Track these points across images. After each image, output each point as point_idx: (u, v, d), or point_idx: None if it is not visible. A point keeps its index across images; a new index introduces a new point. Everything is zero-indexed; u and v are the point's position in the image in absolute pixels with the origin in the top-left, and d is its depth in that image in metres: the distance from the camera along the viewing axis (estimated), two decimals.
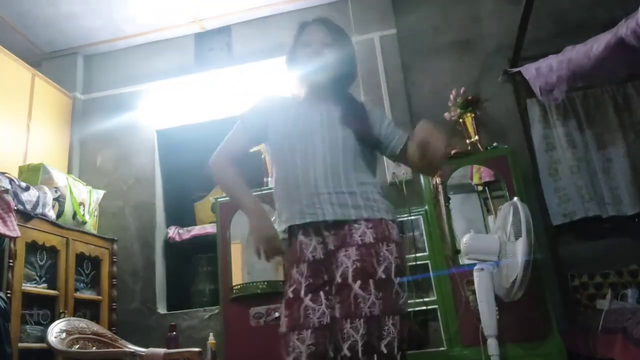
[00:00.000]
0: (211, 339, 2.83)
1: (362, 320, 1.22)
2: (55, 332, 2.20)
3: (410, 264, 2.51)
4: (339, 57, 1.50)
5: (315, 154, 1.41)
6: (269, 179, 2.87)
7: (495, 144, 2.74)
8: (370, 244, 1.31)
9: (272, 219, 1.43)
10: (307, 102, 1.53)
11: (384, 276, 1.27)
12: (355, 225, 1.34)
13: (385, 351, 1.21)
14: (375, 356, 1.21)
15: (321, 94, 1.52)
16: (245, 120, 1.52)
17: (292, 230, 1.40)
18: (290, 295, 1.32)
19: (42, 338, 2.30)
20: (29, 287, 2.42)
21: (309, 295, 1.30)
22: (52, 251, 2.63)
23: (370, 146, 1.49)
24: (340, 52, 1.50)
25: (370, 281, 1.26)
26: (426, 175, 1.75)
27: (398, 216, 1.46)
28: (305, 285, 1.31)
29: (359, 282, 1.26)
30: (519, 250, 1.98)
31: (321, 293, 1.31)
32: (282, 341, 1.28)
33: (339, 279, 1.30)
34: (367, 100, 1.44)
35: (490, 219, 2.77)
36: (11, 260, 2.29)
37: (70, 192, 2.90)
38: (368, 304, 1.24)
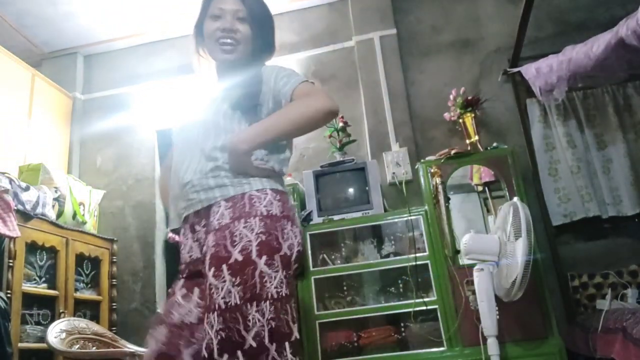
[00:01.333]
0: None
1: (215, 313, 1.06)
2: (55, 332, 2.20)
3: (411, 264, 2.51)
4: (254, 33, 1.32)
5: (190, 141, 1.27)
6: None
7: (495, 144, 2.74)
8: (225, 225, 1.14)
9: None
10: (208, 85, 1.39)
11: (240, 258, 1.09)
12: (214, 209, 1.19)
13: (254, 344, 1.03)
14: (239, 353, 1.02)
15: (226, 73, 1.35)
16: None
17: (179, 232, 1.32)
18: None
19: (42, 338, 2.30)
20: (29, 287, 2.42)
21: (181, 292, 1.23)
22: (52, 251, 2.63)
23: (253, 111, 1.27)
24: (256, 26, 1.33)
25: (224, 266, 1.09)
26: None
27: (278, 185, 1.24)
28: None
29: (212, 270, 1.10)
30: (519, 250, 1.98)
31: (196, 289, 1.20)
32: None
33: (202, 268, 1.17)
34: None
35: (490, 219, 2.77)
36: (11, 260, 2.29)
37: (70, 192, 2.90)
38: (222, 294, 1.07)
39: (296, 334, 1.09)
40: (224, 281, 1.08)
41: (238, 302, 1.05)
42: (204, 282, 1.15)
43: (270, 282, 1.08)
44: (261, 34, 1.35)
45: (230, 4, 1.32)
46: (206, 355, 1.04)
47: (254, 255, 1.09)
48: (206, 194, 1.21)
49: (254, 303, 1.06)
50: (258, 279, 1.08)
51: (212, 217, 1.18)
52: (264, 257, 1.10)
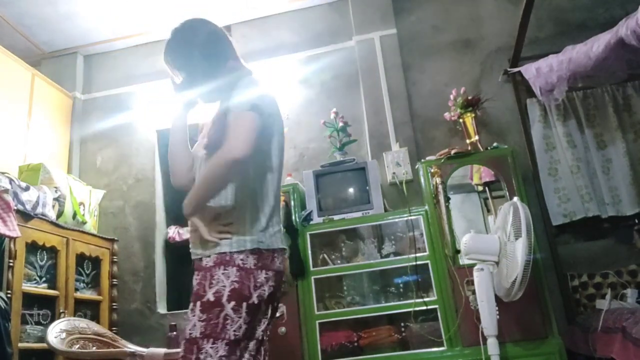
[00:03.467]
0: None
1: (183, 341, 1.25)
2: (56, 332, 2.20)
3: (411, 264, 2.52)
4: (187, 72, 1.45)
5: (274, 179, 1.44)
6: None
7: (495, 144, 2.74)
8: (208, 268, 1.30)
9: None
10: None
11: (212, 299, 1.24)
12: (207, 257, 1.34)
13: None
14: None
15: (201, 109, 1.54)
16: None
17: None
18: (256, 301, 1.32)
19: (42, 338, 2.30)
20: (29, 287, 2.42)
21: (264, 307, 1.35)
22: (52, 251, 2.63)
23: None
24: (182, 66, 1.45)
25: (198, 303, 1.26)
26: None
27: (262, 245, 1.34)
28: (268, 295, 1.34)
29: (190, 305, 1.28)
30: (519, 250, 1.98)
31: (270, 305, 1.38)
32: (231, 348, 1.24)
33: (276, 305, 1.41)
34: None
35: (490, 219, 2.77)
36: (11, 260, 2.30)
37: (70, 192, 2.90)
38: (189, 326, 1.25)
39: None
40: (194, 315, 1.25)
41: (197, 336, 1.22)
42: None
43: (230, 325, 1.23)
44: (190, 65, 1.44)
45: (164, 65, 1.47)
46: None
47: (224, 299, 1.25)
48: (194, 249, 1.41)
49: (211, 340, 1.22)
50: (221, 320, 1.23)
51: (202, 259, 1.35)
52: (233, 303, 1.25)
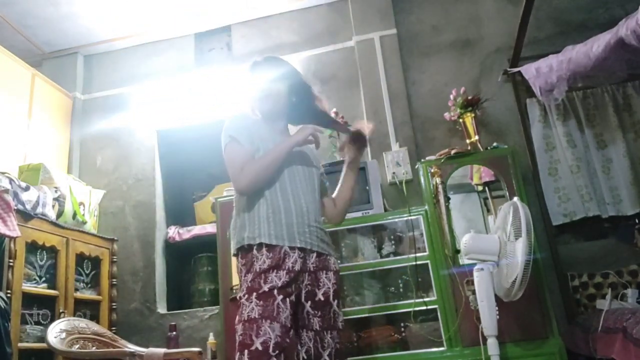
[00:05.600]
0: (211, 339, 2.83)
1: (336, 332, 1.54)
2: (55, 332, 2.20)
3: (411, 263, 2.51)
4: (288, 88, 1.69)
5: (300, 184, 1.61)
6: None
7: (495, 144, 2.74)
8: (338, 271, 1.63)
9: (240, 231, 1.58)
10: (270, 127, 1.69)
11: (323, 299, 1.56)
12: (329, 257, 1.63)
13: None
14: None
15: (279, 123, 1.71)
16: (239, 137, 1.59)
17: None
18: (266, 289, 1.45)
19: (42, 338, 2.30)
20: (29, 287, 2.42)
21: (280, 297, 1.45)
22: (52, 251, 2.63)
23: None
24: (288, 82, 1.70)
25: (340, 302, 1.59)
26: (336, 219, 1.86)
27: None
28: (279, 288, 1.45)
29: (336, 301, 1.57)
30: (519, 250, 1.98)
31: (288, 300, 1.47)
32: (248, 325, 1.41)
33: (321, 297, 1.54)
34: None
35: (490, 219, 2.77)
36: (11, 260, 2.30)
37: (70, 192, 2.90)
38: (340, 320, 1.57)
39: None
40: (341, 311, 1.63)
41: (342, 328, 1.59)
42: (291, 296, 1.52)
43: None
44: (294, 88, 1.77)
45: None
46: None
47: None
48: (322, 244, 1.63)
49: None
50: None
51: (329, 260, 1.65)
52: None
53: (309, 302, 1.54)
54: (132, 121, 3.61)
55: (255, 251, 1.50)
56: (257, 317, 1.41)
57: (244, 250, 1.53)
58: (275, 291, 1.45)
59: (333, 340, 1.53)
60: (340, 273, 2.67)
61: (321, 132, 1.63)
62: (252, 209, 1.56)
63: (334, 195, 1.81)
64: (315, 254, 1.57)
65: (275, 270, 1.47)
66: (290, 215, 1.54)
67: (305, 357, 1.52)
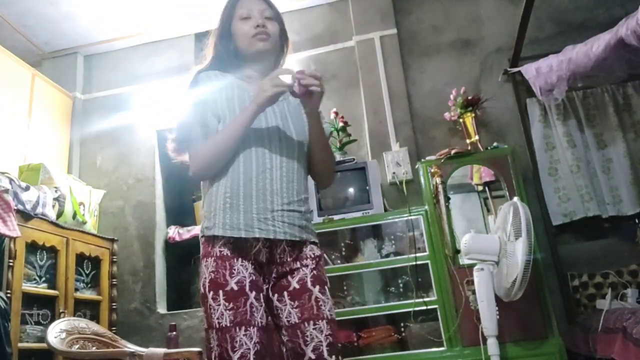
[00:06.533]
0: None
1: (324, 321, 1.27)
2: (55, 332, 2.19)
3: (411, 263, 2.51)
4: (280, 29, 1.45)
5: (270, 158, 1.32)
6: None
7: (495, 144, 2.74)
8: (318, 256, 1.36)
9: (205, 220, 1.34)
10: (245, 84, 1.40)
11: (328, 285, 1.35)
12: (303, 246, 1.34)
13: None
14: (340, 356, 1.27)
15: (257, 75, 1.42)
16: (197, 107, 1.36)
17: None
18: (235, 287, 1.23)
19: (42, 338, 2.30)
20: (29, 287, 2.42)
21: (253, 293, 1.24)
22: (52, 251, 2.63)
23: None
24: (279, 23, 1.46)
25: (326, 287, 1.32)
26: (323, 183, 1.57)
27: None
28: (250, 282, 1.24)
29: (317, 287, 1.30)
30: (519, 250, 1.98)
31: (261, 294, 1.27)
32: (220, 335, 1.19)
33: (296, 285, 1.29)
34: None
35: (490, 219, 2.77)
36: (11, 260, 2.29)
37: (71, 192, 2.90)
38: (328, 307, 1.30)
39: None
40: (328, 298, 1.34)
41: (332, 317, 1.32)
42: (262, 289, 1.33)
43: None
44: (283, 32, 1.49)
45: (258, 5, 1.43)
46: (314, 357, 1.24)
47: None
48: (292, 230, 1.32)
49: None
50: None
51: (303, 247, 1.36)
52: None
53: (277, 296, 1.30)
54: (132, 121, 3.60)
55: (214, 240, 1.28)
56: (229, 325, 1.19)
57: (204, 241, 1.31)
58: (247, 287, 1.23)
59: (319, 332, 1.25)
60: (340, 273, 2.71)
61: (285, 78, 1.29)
62: (212, 195, 1.32)
63: None
64: (283, 244, 1.30)
65: (240, 258, 1.26)
66: (249, 200, 1.27)
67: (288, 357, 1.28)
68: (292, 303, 1.28)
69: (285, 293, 1.29)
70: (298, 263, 1.31)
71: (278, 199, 1.29)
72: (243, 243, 1.27)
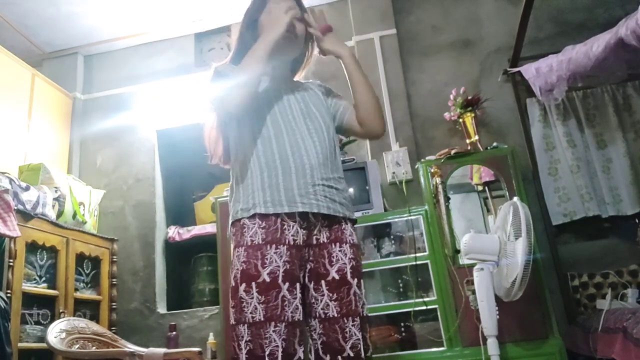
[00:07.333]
0: (211, 339, 2.83)
1: (358, 318, 1.24)
2: (55, 332, 2.19)
3: (411, 263, 2.51)
4: (304, 33, 1.45)
5: (305, 140, 1.31)
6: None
7: (495, 144, 2.74)
8: (356, 245, 1.32)
9: (235, 203, 1.33)
10: (267, 78, 1.44)
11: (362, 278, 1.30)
12: (344, 224, 1.32)
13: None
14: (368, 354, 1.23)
15: (281, 72, 1.49)
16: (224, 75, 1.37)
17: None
18: (267, 278, 1.17)
19: (42, 338, 2.30)
20: (29, 287, 2.42)
21: (287, 284, 1.18)
22: (52, 251, 2.63)
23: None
24: (304, 28, 1.45)
25: (362, 281, 1.28)
26: (374, 128, 1.45)
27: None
28: (284, 271, 1.19)
29: (356, 280, 1.26)
30: (519, 250, 1.98)
31: (297, 285, 1.21)
32: (255, 330, 1.14)
33: (335, 275, 1.24)
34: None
35: (490, 219, 2.76)
36: (11, 260, 2.29)
37: (70, 192, 2.90)
38: (361, 303, 1.26)
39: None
40: (362, 293, 1.32)
41: (365, 315, 1.28)
42: (300, 279, 1.28)
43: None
44: (308, 34, 1.47)
45: (289, 3, 1.43)
46: (352, 354, 1.21)
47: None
48: (333, 205, 1.31)
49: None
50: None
51: (344, 229, 1.33)
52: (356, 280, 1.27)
53: (313, 284, 1.25)
54: (132, 121, 3.60)
55: (247, 220, 1.24)
56: (262, 319, 1.14)
57: (235, 231, 1.28)
58: (280, 279, 1.17)
59: (357, 330, 1.22)
60: None
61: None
62: (246, 177, 1.30)
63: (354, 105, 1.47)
64: (324, 222, 1.28)
65: (273, 246, 1.20)
66: (288, 177, 1.26)
67: (322, 353, 1.21)
68: (331, 295, 1.23)
69: (323, 282, 1.24)
70: (337, 246, 1.27)
71: (317, 173, 1.28)
72: (279, 226, 1.22)
